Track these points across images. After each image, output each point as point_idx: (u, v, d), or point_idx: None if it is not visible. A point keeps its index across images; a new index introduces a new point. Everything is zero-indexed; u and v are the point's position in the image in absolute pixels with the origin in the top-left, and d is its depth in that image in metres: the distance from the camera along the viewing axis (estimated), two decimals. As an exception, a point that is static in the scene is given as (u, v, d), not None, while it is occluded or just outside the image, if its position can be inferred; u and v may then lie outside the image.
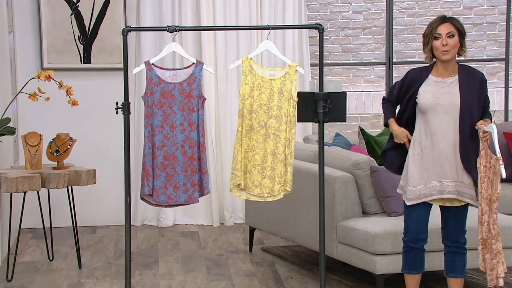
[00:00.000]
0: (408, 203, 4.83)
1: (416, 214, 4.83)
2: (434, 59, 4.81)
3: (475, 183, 4.75)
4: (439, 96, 4.74)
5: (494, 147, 4.58)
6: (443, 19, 4.74)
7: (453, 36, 4.70)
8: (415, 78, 4.82)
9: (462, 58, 4.87)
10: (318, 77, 5.01)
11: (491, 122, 4.75)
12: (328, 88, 4.94)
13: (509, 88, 8.64)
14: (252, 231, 6.75)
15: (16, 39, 7.60)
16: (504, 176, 4.53)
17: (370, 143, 6.62)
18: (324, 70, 4.98)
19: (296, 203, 6.01)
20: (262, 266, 6.32)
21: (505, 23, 9.40)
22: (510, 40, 8.45)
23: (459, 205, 4.81)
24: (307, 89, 7.70)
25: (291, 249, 6.77)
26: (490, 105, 4.87)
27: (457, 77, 4.76)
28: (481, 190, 4.63)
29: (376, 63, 10.47)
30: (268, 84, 4.92)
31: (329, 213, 5.57)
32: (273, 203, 6.14)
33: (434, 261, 5.33)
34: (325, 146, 5.23)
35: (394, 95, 4.94)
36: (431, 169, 4.77)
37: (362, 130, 6.70)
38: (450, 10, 10.77)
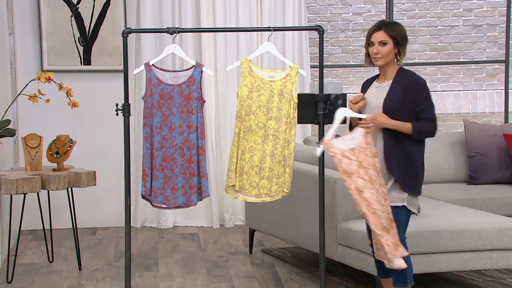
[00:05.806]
0: None
1: None
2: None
3: (401, 186, 4.65)
4: (372, 100, 4.75)
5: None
6: (378, 27, 4.72)
7: (385, 44, 4.70)
8: (366, 86, 4.88)
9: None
10: (318, 79, 5.01)
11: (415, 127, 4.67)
12: (328, 89, 4.94)
13: (509, 90, 8.64)
14: (252, 232, 6.75)
15: (16, 40, 7.60)
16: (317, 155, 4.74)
17: (370, 145, 6.62)
18: (324, 71, 4.98)
19: (296, 204, 6.00)
20: (262, 267, 6.32)
21: (505, 25, 9.40)
22: (510, 41, 8.44)
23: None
24: (307, 90, 7.70)
25: (291, 251, 6.76)
26: (434, 110, 4.68)
27: (391, 81, 4.76)
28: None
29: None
30: (268, 86, 4.91)
31: (329, 215, 5.56)
32: (273, 204, 6.13)
33: (435, 262, 5.33)
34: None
35: None
36: None
37: (362, 132, 6.69)
38: (450, 11, 10.77)
